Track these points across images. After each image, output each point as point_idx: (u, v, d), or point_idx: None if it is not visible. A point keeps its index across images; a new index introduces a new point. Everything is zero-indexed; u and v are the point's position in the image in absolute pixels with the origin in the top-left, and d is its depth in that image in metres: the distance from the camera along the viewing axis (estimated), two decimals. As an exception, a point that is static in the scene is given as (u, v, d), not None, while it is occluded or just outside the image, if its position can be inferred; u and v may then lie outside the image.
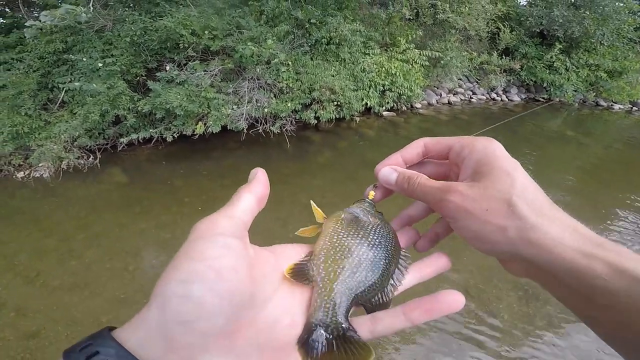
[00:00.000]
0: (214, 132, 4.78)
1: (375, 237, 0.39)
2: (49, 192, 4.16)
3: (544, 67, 9.12)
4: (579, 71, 9.23)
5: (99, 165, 4.56)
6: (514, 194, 0.34)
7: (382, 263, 0.37)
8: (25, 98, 4.31)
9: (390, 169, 0.43)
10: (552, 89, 9.22)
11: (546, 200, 0.35)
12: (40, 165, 4.27)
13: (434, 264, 0.41)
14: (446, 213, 0.37)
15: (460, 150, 0.40)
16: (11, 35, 4.68)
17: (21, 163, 4.30)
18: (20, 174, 4.24)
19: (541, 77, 9.09)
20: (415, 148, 0.44)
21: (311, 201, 0.45)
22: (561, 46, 8.82)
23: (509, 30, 9.08)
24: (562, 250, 0.31)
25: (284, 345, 0.32)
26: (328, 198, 4.33)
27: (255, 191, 0.37)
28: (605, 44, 9.20)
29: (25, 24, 4.20)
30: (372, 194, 0.45)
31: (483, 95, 9.13)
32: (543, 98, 9.57)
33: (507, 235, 0.33)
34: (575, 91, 9.24)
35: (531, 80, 9.34)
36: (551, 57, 8.96)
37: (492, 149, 0.38)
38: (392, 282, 0.37)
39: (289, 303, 0.35)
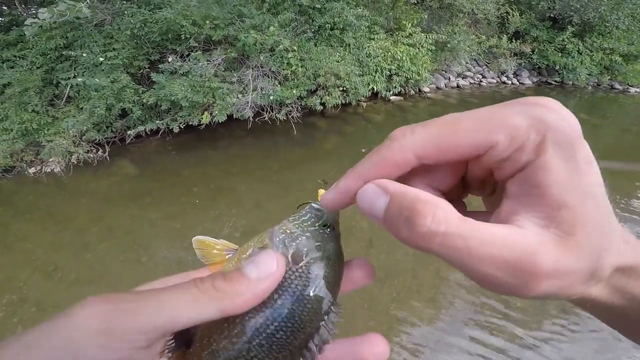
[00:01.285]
0: (220, 121, 4.76)
1: (293, 289, 0.26)
2: (61, 186, 4.21)
3: (555, 50, 8.98)
4: (593, 54, 9.10)
5: (108, 158, 4.60)
6: (604, 249, 0.21)
7: (289, 337, 0.26)
8: (32, 95, 4.34)
9: (377, 189, 0.23)
10: (564, 72, 9.11)
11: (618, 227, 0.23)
12: (51, 160, 4.32)
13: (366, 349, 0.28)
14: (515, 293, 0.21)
15: (516, 152, 0.22)
16: (11, 33, 4.69)
17: (33, 159, 4.35)
18: (33, 170, 4.30)
19: (553, 60, 8.98)
20: (392, 164, 0.24)
21: (195, 238, 0.31)
22: (574, 29, 8.68)
23: (518, 14, 8.86)
24: None
25: None
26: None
27: None
28: (621, 28, 8.99)
29: (25, 22, 4.19)
30: (320, 193, 0.30)
31: (493, 78, 8.94)
32: (555, 81, 9.45)
33: (578, 294, 0.22)
34: (589, 74, 9.12)
35: (543, 63, 9.21)
36: (563, 40, 8.79)
37: (584, 148, 0.21)
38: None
39: None
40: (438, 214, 0.20)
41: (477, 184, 0.27)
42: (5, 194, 4.04)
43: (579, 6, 8.44)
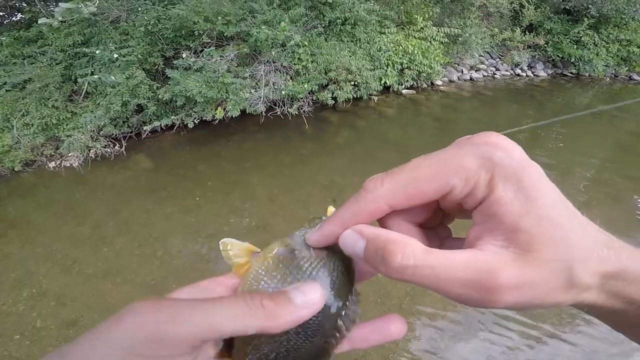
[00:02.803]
0: (234, 116, 4.81)
1: (321, 276, 0.30)
2: (80, 180, 4.31)
3: (570, 42, 8.85)
4: (609, 46, 8.92)
5: (124, 152, 4.68)
6: (575, 260, 0.23)
7: (311, 331, 0.29)
8: (52, 90, 4.45)
9: (354, 234, 0.27)
10: (580, 64, 8.96)
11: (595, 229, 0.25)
12: (70, 154, 4.43)
13: (384, 329, 0.31)
14: (484, 305, 0.24)
15: (472, 191, 0.25)
16: (31, 30, 4.80)
17: (52, 153, 4.46)
18: (52, 164, 4.42)
19: (568, 53, 8.84)
20: (367, 214, 0.28)
21: (221, 241, 0.33)
22: (589, 22, 8.50)
23: (533, 8, 8.72)
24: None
25: None
26: (348, 178, 4.28)
27: None
28: (638, 19, 8.82)
29: (39, 21, 4.32)
30: (330, 210, 0.32)
31: (507, 71, 8.81)
32: (571, 73, 9.29)
33: (564, 302, 0.25)
34: (606, 66, 8.95)
35: (557, 55, 9.06)
36: (578, 33, 8.65)
37: (529, 177, 0.24)
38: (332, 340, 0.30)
39: None
40: (407, 251, 0.24)
41: (454, 213, 0.31)
42: (26, 187, 4.16)
43: None
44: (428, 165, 0.26)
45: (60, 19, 4.26)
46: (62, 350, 0.26)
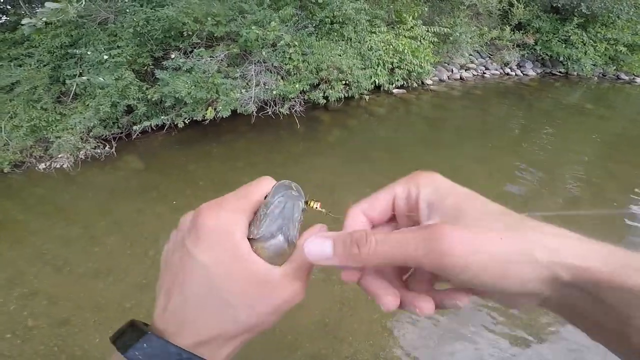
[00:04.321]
0: (224, 116, 4.81)
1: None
2: (70, 181, 4.28)
3: (559, 41, 8.96)
4: (597, 45, 9.06)
5: (115, 153, 4.65)
6: (527, 235, 0.27)
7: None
8: (40, 92, 4.41)
9: (317, 239, 0.31)
10: (569, 63, 9.07)
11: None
12: (59, 156, 4.40)
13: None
14: (446, 268, 0.27)
15: (409, 193, 0.33)
16: (17, 32, 4.74)
17: (42, 155, 4.42)
18: (42, 165, 4.38)
19: (557, 52, 8.96)
20: (359, 221, 0.34)
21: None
22: (578, 21, 8.61)
23: (522, 6, 8.82)
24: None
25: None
26: (340, 176, 4.31)
27: None
28: (624, 19, 8.98)
29: (22, 21, 4.25)
30: (311, 204, 0.39)
31: (497, 70, 8.91)
32: (560, 72, 9.42)
33: (527, 279, 0.26)
34: (594, 65, 9.08)
35: (546, 54, 9.18)
36: (567, 31, 8.75)
37: (438, 177, 0.33)
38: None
39: None
40: (369, 234, 0.29)
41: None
42: (15, 189, 4.12)
43: None
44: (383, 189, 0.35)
45: (44, 19, 4.21)
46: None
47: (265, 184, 0.37)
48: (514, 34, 8.71)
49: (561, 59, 9.09)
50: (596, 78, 9.45)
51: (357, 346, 2.45)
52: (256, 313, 0.33)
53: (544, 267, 0.26)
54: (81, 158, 4.46)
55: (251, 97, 4.94)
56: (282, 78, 5.28)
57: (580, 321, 0.29)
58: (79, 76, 4.50)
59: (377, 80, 6.34)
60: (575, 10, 8.67)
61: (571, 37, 8.81)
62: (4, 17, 5.26)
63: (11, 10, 5.15)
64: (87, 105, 4.51)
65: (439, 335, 2.59)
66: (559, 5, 8.85)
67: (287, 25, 5.24)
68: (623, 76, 9.52)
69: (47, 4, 4.01)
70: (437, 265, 0.27)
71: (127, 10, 4.81)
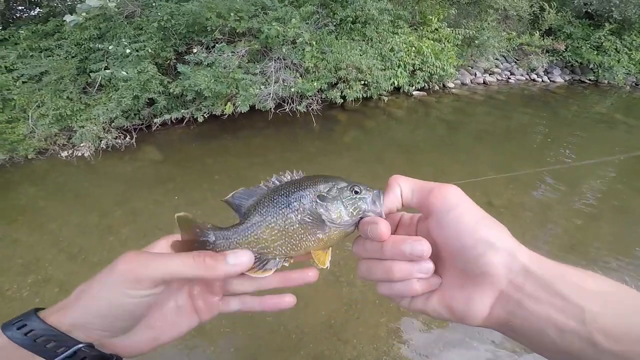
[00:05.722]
0: (243, 111, 4.84)
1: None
2: (90, 169, 4.40)
3: (590, 48, 8.58)
4: (632, 53, 8.64)
5: (134, 144, 4.75)
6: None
7: None
8: (67, 83, 4.55)
9: (376, 219, 0.45)
10: (600, 71, 8.67)
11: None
12: (82, 145, 4.52)
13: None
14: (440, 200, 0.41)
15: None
16: (49, 23, 4.92)
17: (65, 143, 4.56)
18: (65, 153, 4.52)
19: (588, 59, 8.57)
20: (396, 194, 0.47)
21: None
22: (611, 27, 8.21)
23: (554, 11, 8.52)
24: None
25: None
26: (354, 178, 4.22)
27: None
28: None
29: (64, 18, 4.44)
30: None
31: (522, 75, 8.62)
32: (590, 80, 9.00)
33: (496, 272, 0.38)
34: (627, 74, 8.65)
35: (576, 61, 8.79)
36: (599, 38, 8.37)
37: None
38: None
39: None
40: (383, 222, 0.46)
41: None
42: (38, 175, 4.26)
43: (618, 2, 8.02)
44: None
45: (83, 14, 4.38)
46: (81, 287, 0.43)
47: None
48: (543, 39, 8.42)
49: (591, 66, 8.73)
50: (628, 87, 9.01)
51: (360, 349, 2.41)
52: None
53: (506, 251, 0.37)
54: (102, 147, 4.57)
55: (270, 94, 4.95)
56: (300, 75, 5.28)
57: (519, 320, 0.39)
58: (104, 70, 4.62)
59: (396, 82, 6.24)
60: (609, 16, 8.32)
61: (604, 44, 8.46)
62: (38, 9, 5.45)
63: (44, 2, 5.33)
64: (111, 97, 4.62)
65: (445, 342, 2.52)
66: (590, 10, 8.52)
67: (307, 23, 5.22)
68: (659, 86, 9.08)
69: (87, 1, 4.16)
70: (439, 198, 0.42)
71: (154, 4, 4.91)
